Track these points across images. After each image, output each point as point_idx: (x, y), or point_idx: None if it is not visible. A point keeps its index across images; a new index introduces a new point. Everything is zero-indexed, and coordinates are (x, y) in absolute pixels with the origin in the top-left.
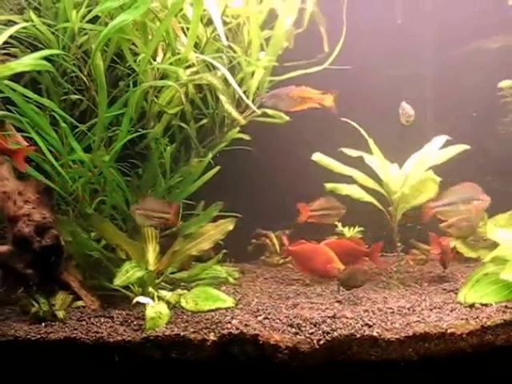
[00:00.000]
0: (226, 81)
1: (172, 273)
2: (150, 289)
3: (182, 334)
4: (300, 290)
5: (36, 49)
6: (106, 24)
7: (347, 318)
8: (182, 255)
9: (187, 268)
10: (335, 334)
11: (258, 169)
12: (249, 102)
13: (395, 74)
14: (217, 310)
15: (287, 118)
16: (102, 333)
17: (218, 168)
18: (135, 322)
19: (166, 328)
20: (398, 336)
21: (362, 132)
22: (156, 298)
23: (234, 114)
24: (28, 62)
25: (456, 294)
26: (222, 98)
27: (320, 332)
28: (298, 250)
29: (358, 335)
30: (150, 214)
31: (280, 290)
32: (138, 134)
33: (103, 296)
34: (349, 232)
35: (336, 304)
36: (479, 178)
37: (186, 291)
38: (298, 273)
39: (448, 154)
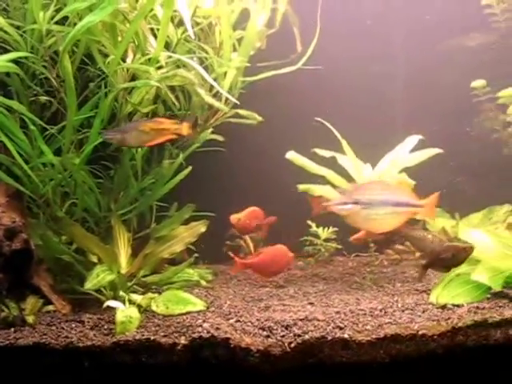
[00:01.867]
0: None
1: (144, 276)
2: (122, 292)
3: (152, 338)
4: (273, 292)
5: (5, 51)
6: (75, 25)
7: (319, 320)
8: (153, 258)
9: (160, 271)
10: (306, 336)
11: (230, 170)
12: (227, 94)
13: (369, 73)
14: (188, 313)
15: (260, 118)
16: (71, 338)
17: (189, 169)
18: (106, 327)
19: (137, 332)
20: (369, 338)
21: (335, 132)
22: (127, 302)
23: (217, 104)
24: None
25: (428, 294)
26: (201, 91)
27: (291, 335)
28: (258, 261)
29: (330, 337)
30: None
31: (253, 292)
32: None
33: (75, 300)
34: (323, 232)
35: (308, 306)
36: (451, 179)
37: (156, 295)
38: None
39: (420, 157)
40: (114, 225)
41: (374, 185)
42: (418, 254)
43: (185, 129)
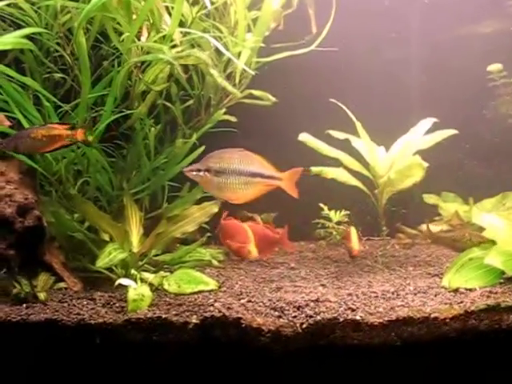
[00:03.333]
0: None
1: (156, 255)
2: (133, 271)
3: (163, 316)
4: (284, 273)
5: (19, 27)
6: (90, 2)
7: (330, 301)
8: (165, 237)
9: (171, 250)
10: (318, 317)
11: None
12: (244, 66)
13: (385, 56)
14: (199, 292)
15: (274, 99)
16: (83, 315)
17: (202, 149)
18: (117, 304)
19: (148, 310)
20: (381, 320)
21: (350, 114)
22: (139, 280)
23: (229, 86)
24: (8, 40)
25: (441, 278)
26: (214, 72)
27: (303, 316)
28: (225, 224)
29: (341, 319)
30: None
31: (264, 273)
32: (122, 114)
33: (86, 278)
34: (335, 216)
35: (320, 288)
36: (465, 163)
37: (168, 273)
38: (283, 256)
39: (434, 139)
40: (126, 204)
41: (231, 154)
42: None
43: (79, 135)
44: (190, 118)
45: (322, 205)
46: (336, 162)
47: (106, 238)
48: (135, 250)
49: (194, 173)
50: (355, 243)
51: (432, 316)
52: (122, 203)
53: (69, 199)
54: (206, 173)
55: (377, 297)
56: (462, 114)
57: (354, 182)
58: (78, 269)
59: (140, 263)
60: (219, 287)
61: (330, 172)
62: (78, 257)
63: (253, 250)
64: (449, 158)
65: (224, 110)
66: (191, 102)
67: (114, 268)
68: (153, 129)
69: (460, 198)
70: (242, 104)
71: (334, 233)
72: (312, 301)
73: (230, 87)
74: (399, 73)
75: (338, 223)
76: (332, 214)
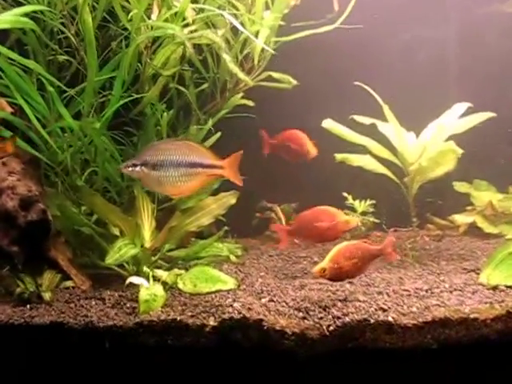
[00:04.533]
0: (228, 42)
1: (169, 250)
2: (145, 268)
3: (178, 318)
4: (308, 269)
5: (19, 5)
6: None
7: (360, 301)
8: (179, 231)
9: (186, 245)
10: (347, 319)
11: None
12: (264, 45)
13: (413, 35)
14: (217, 292)
15: (294, 82)
16: (91, 317)
17: (218, 135)
18: (128, 305)
19: (162, 312)
20: (415, 321)
21: (377, 97)
22: (151, 279)
23: (240, 74)
24: (7, 18)
25: (477, 274)
26: (226, 56)
27: (330, 317)
28: (297, 224)
29: (372, 320)
30: None
31: (286, 268)
32: (132, 98)
33: (95, 275)
34: (360, 206)
35: (347, 285)
36: (500, 148)
37: (183, 271)
38: (305, 249)
39: (470, 122)
40: (138, 195)
41: (167, 145)
42: (461, 230)
43: (8, 147)
44: (205, 102)
45: (345, 194)
46: (361, 148)
47: (116, 232)
48: (147, 245)
49: (130, 168)
50: None
51: (471, 317)
52: (133, 194)
53: (76, 191)
54: (143, 167)
55: (409, 295)
56: (495, 95)
57: (382, 169)
58: (85, 265)
59: (152, 259)
60: (238, 286)
61: (356, 159)
62: (86, 253)
63: (351, 219)
64: (481, 144)
65: (241, 93)
66: (206, 85)
67: (124, 264)
68: (165, 114)
69: (493, 186)
70: (261, 87)
71: (359, 224)
72: (339, 300)
73: (241, 75)
74: (429, 51)
75: (363, 214)
76: (357, 203)
